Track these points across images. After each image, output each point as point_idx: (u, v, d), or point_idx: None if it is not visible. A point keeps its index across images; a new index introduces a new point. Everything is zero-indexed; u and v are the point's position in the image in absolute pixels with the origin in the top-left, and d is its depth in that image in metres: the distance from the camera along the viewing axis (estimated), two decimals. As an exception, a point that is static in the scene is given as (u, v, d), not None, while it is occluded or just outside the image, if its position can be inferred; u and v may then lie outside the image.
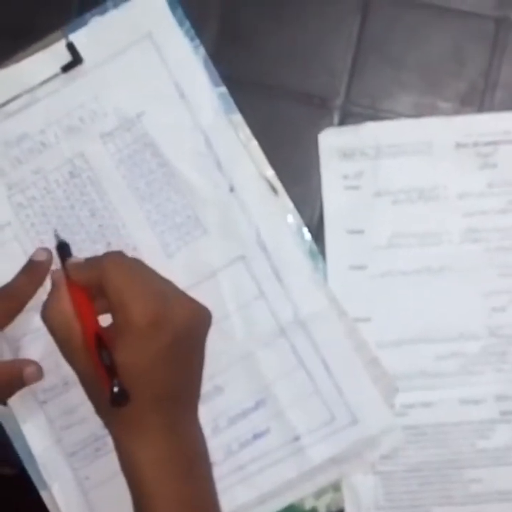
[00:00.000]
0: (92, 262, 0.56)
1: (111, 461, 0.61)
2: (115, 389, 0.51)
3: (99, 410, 0.55)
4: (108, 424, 0.55)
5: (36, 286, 0.61)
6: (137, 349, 0.52)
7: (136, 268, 0.56)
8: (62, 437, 0.62)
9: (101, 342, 0.52)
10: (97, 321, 0.54)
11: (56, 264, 0.60)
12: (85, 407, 0.61)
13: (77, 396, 0.61)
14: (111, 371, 0.51)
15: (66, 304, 0.55)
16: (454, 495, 0.61)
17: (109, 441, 0.60)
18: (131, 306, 0.53)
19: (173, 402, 0.54)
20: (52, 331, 0.55)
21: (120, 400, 0.51)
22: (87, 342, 0.53)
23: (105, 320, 0.55)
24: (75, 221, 0.63)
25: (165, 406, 0.54)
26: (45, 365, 0.62)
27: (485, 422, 0.61)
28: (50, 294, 0.56)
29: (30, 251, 0.63)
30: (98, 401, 0.55)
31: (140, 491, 0.54)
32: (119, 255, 0.56)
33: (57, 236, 0.60)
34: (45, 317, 0.55)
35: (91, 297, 0.55)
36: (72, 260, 0.58)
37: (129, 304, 0.53)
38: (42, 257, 0.61)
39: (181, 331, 0.53)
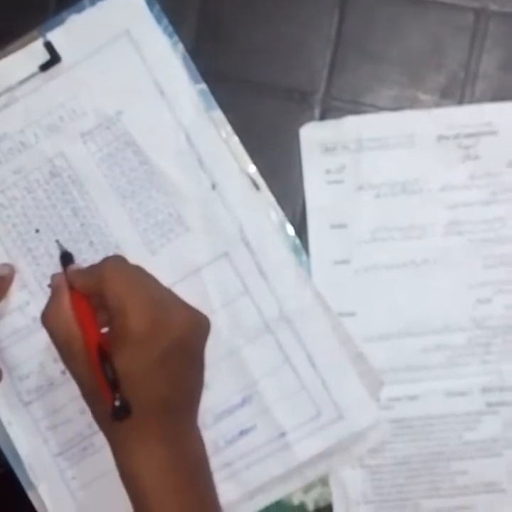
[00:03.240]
0: (93, 268, 0.56)
1: (97, 461, 0.61)
2: (117, 403, 0.51)
3: (97, 418, 0.55)
4: (106, 432, 0.55)
5: None
6: (135, 356, 0.52)
7: (136, 274, 0.55)
8: (48, 438, 0.62)
9: (104, 354, 0.52)
10: (99, 331, 0.54)
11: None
12: (71, 407, 0.62)
13: (63, 396, 0.62)
14: (113, 385, 0.51)
15: (67, 308, 0.54)
16: (442, 487, 0.61)
17: (96, 441, 0.61)
18: (130, 312, 0.52)
19: (172, 410, 0.54)
20: (53, 334, 0.55)
21: (121, 414, 0.51)
22: (88, 350, 0.53)
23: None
24: (57, 221, 0.63)
25: (164, 415, 0.53)
26: (30, 367, 0.62)
27: (471, 413, 0.61)
28: (51, 298, 0.56)
29: (12, 251, 0.62)
30: (97, 409, 0.55)
31: (140, 501, 0.53)
32: (119, 260, 0.56)
33: (60, 246, 0.60)
34: (46, 320, 0.55)
35: (93, 307, 0.55)
36: (73, 267, 0.58)
37: (128, 310, 0.52)
38: (4, 271, 0.62)
39: (180, 338, 0.53)
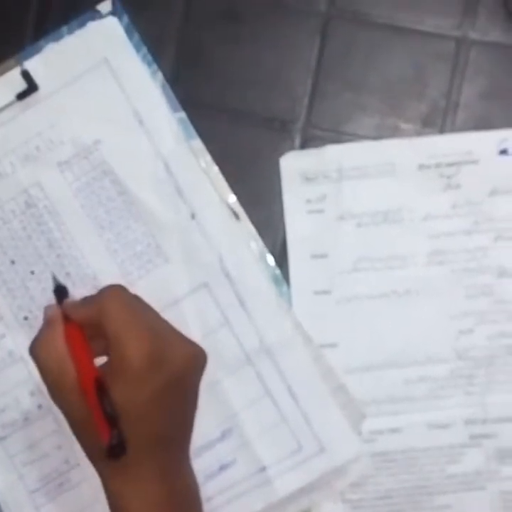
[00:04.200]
0: (91, 297, 0.55)
1: (74, 497, 0.60)
2: (113, 441, 0.49)
3: (89, 453, 0.53)
4: (98, 467, 0.53)
5: None
6: (132, 392, 0.51)
7: (135, 305, 0.54)
8: (23, 473, 0.61)
9: (102, 389, 0.50)
10: (94, 365, 0.52)
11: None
12: (47, 442, 0.61)
13: (38, 431, 0.61)
14: (111, 421, 0.49)
15: (60, 341, 0.53)
16: (425, 522, 0.61)
17: (73, 476, 0.60)
18: (128, 345, 0.51)
19: (166, 447, 0.53)
20: (43, 369, 0.53)
21: (118, 452, 0.49)
22: (83, 386, 0.51)
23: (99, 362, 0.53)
24: (32, 252, 0.62)
25: (158, 451, 0.52)
26: (5, 401, 0.61)
27: (454, 446, 0.61)
28: (43, 331, 0.54)
29: (-12, 282, 0.62)
30: (88, 444, 0.53)
31: None
32: (119, 289, 0.55)
33: (54, 279, 0.59)
34: (36, 354, 0.53)
35: (88, 339, 0.54)
36: (69, 300, 0.57)
37: (126, 343, 0.51)
38: None
39: (177, 374, 0.52)
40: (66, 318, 0.54)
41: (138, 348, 0.51)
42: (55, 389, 0.53)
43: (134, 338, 0.52)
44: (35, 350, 0.54)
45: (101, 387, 0.50)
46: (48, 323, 0.55)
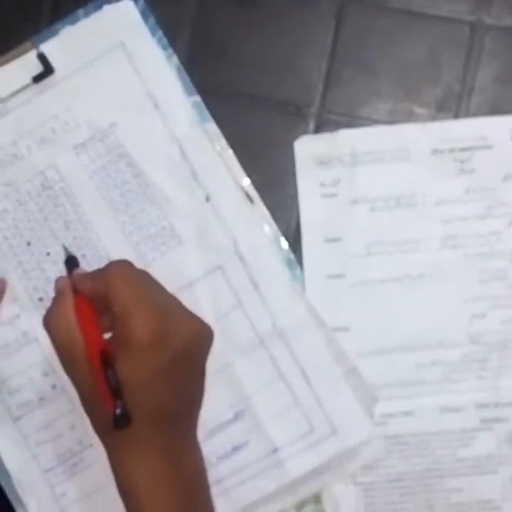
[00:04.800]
0: (99, 271, 0.55)
1: (88, 477, 0.61)
2: (118, 411, 0.49)
3: (96, 427, 0.54)
4: (104, 440, 0.54)
5: None
6: (137, 365, 0.51)
7: (142, 280, 0.54)
8: (38, 453, 0.61)
9: (107, 360, 0.50)
10: (102, 337, 0.53)
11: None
12: (61, 422, 0.61)
13: (53, 411, 0.61)
14: (116, 392, 0.50)
15: (70, 313, 0.53)
16: (436, 504, 0.60)
17: (86, 456, 0.61)
18: (134, 319, 0.51)
19: (172, 422, 0.53)
20: (54, 339, 0.53)
21: (122, 422, 0.50)
22: (90, 357, 0.51)
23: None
24: (49, 233, 0.62)
25: (164, 426, 0.52)
26: (20, 381, 0.61)
27: (466, 430, 0.61)
28: (55, 302, 0.55)
29: (3, 264, 0.62)
30: (95, 416, 0.53)
31: (135, 511, 0.52)
32: (125, 264, 0.55)
33: (65, 250, 0.59)
34: (48, 324, 0.54)
35: (97, 312, 0.54)
36: (78, 271, 0.57)
37: (132, 317, 0.51)
38: None
39: (183, 349, 0.52)
40: (76, 290, 0.55)
41: (143, 324, 0.52)
42: (65, 359, 0.53)
43: (140, 314, 0.52)
44: (47, 321, 0.54)
45: (107, 358, 0.50)
46: (58, 294, 0.55)
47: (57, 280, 0.57)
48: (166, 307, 0.54)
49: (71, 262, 0.58)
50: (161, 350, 0.52)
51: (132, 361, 0.51)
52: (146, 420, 0.51)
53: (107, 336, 0.53)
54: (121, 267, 0.55)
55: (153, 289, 0.55)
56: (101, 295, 0.53)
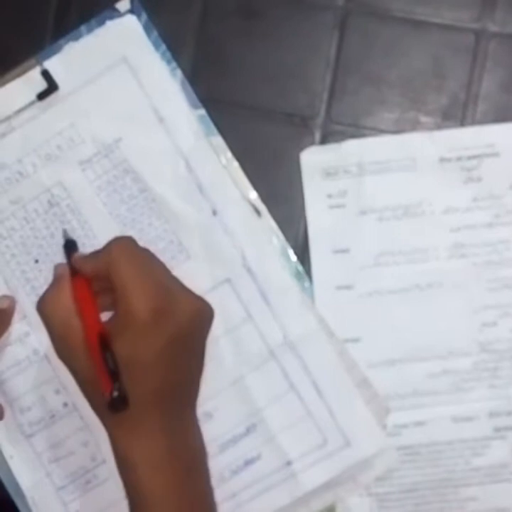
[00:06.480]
0: (100, 250, 0.55)
1: (101, 494, 0.61)
2: (115, 394, 0.49)
3: (96, 409, 0.54)
4: (104, 421, 0.54)
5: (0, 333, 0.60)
6: (137, 344, 0.51)
7: (144, 258, 0.54)
8: (51, 471, 0.61)
9: (105, 343, 0.50)
10: (100, 319, 0.52)
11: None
12: (73, 439, 0.61)
13: (65, 429, 0.61)
14: (113, 375, 0.50)
15: (66, 297, 0.53)
16: (451, 514, 0.61)
17: (99, 473, 0.61)
18: (135, 298, 0.51)
19: (171, 402, 0.53)
20: (49, 324, 0.53)
21: (119, 405, 0.50)
22: (87, 340, 0.51)
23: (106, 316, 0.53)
24: (56, 250, 0.62)
25: (163, 406, 0.52)
26: (31, 399, 0.61)
27: (479, 439, 0.61)
28: (51, 287, 0.55)
29: (12, 282, 0.62)
30: (95, 400, 0.53)
31: (136, 492, 0.53)
32: (128, 241, 0.55)
33: (65, 234, 0.59)
34: (42, 309, 0.54)
35: (95, 294, 0.54)
36: (78, 254, 0.57)
37: (133, 296, 0.51)
38: (4, 304, 0.60)
39: (183, 329, 0.52)
40: (74, 272, 0.54)
41: (144, 302, 0.51)
42: (61, 344, 0.53)
43: (141, 292, 0.52)
44: (41, 306, 0.54)
45: (104, 341, 0.50)
46: (55, 279, 0.55)
47: (56, 266, 0.56)
48: (167, 285, 0.54)
49: (70, 247, 0.58)
50: (161, 330, 0.51)
51: (132, 340, 0.51)
52: (144, 399, 0.51)
53: (106, 315, 0.53)
54: (124, 244, 0.54)
55: (155, 268, 0.54)
56: (102, 273, 0.53)
